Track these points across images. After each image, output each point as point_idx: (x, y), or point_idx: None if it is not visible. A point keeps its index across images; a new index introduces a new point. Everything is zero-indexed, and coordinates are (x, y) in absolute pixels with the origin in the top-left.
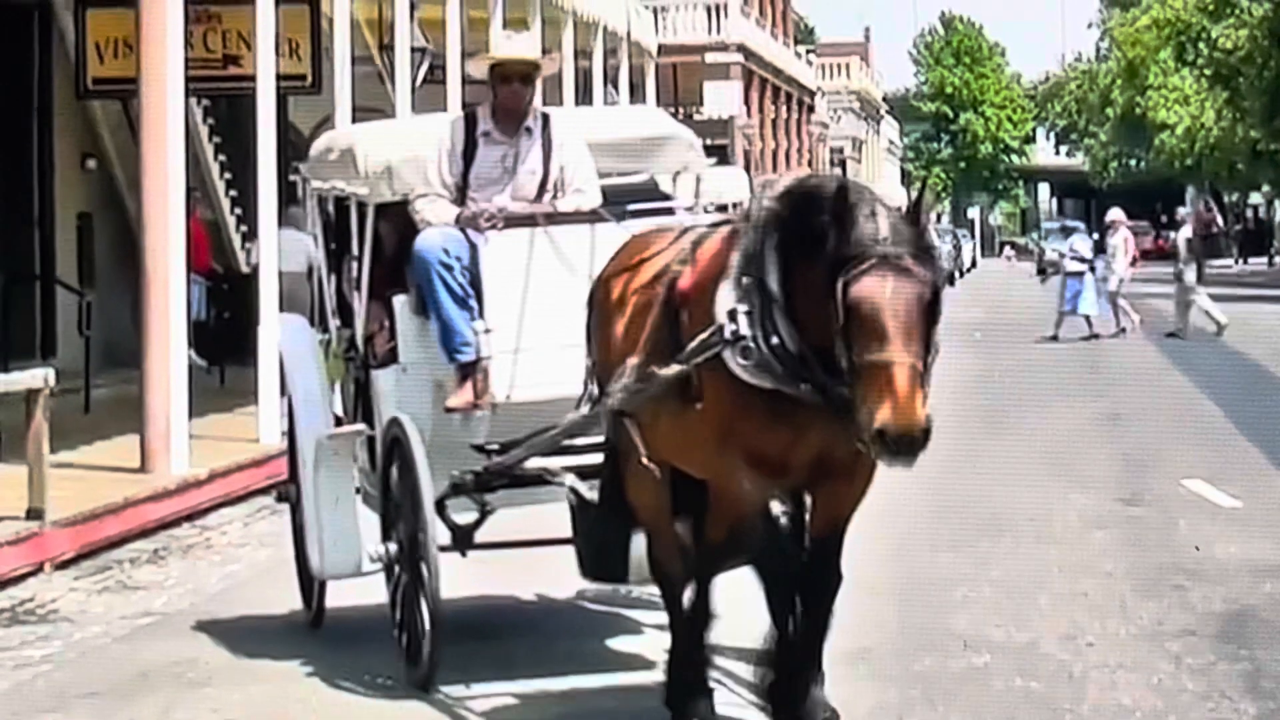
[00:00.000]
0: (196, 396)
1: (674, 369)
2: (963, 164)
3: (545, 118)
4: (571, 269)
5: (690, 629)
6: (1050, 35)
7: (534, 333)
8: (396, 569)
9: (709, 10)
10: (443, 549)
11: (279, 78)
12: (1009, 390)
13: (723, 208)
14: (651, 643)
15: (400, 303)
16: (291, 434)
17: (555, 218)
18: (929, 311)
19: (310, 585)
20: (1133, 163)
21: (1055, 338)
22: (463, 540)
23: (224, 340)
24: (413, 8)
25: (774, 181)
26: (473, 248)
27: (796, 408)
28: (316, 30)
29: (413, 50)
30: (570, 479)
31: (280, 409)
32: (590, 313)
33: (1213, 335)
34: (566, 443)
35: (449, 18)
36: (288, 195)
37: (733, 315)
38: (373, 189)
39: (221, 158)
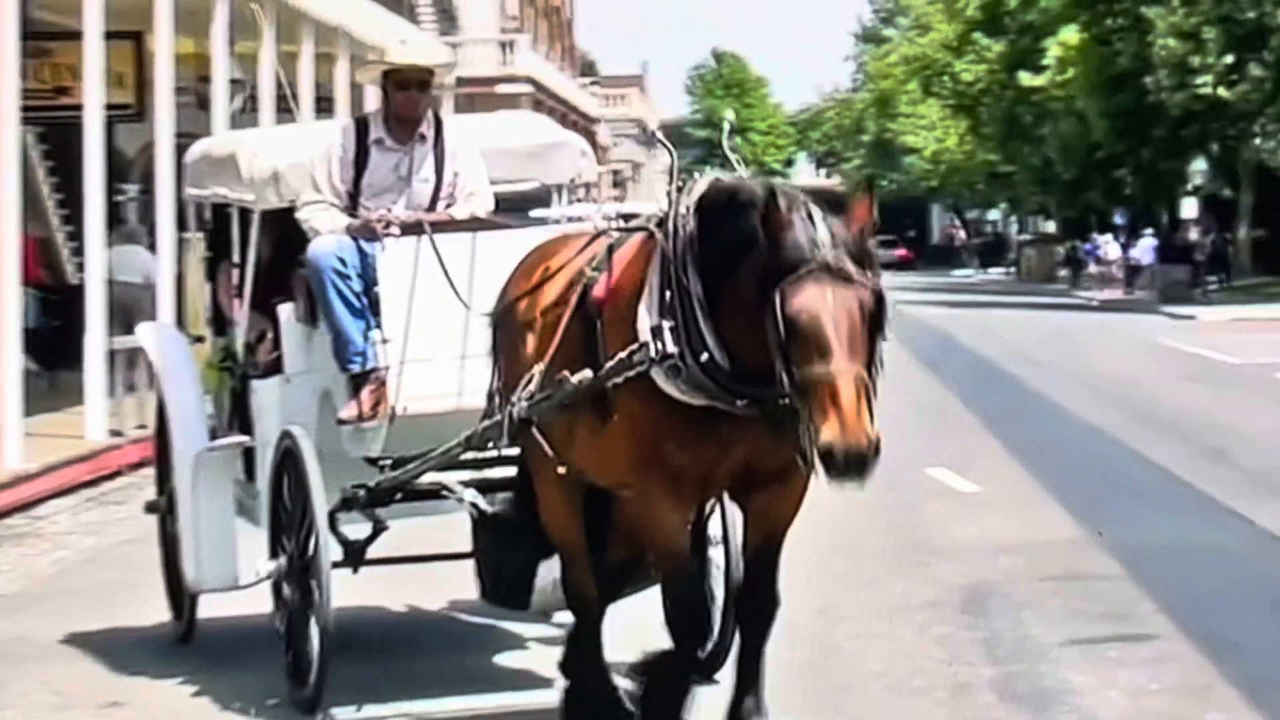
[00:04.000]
0: (29, 398)
1: (585, 375)
2: None
3: (439, 124)
4: (468, 277)
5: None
6: (810, 68)
7: (432, 343)
8: (284, 585)
9: (501, 45)
10: (334, 565)
11: (106, 107)
12: None
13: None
14: (541, 658)
15: (285, 311)
16: (161, 444)
17: (449, 226)
18: (873, 321)
19: (181, 598)
20: (885, 183)
21: None
22: (355, 556)
23: (55, 346)
24: (230, 43)
25: (689, 188)
26: (365, 256)
27: (722, 419)
28: (141, 63)
29: (230, 82)
30: (470, 494)
31: (106, 409)
32: (496, 334)
33: None
34: (467, 456)
35: (263, 53)
36: (114, 213)
37: (657, 332)
38: (259, 195)
39: (53, 179)
